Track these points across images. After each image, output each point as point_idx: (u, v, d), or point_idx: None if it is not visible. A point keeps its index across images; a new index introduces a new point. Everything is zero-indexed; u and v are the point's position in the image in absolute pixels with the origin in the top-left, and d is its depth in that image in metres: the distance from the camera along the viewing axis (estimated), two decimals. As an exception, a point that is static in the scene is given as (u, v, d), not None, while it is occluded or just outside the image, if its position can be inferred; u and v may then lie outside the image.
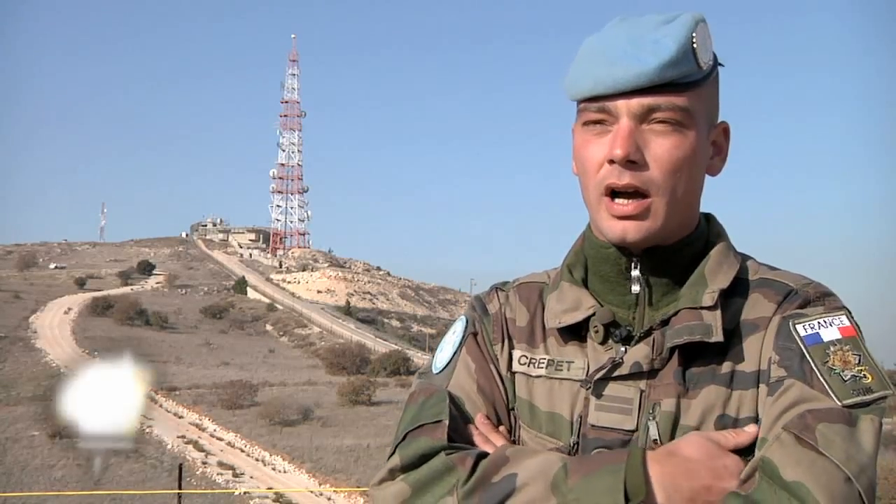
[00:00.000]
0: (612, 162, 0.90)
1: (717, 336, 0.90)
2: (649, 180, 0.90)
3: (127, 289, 77.97)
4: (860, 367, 0.86)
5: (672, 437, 0.90)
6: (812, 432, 0.83)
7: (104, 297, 64.26)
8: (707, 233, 0.99)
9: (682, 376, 0.92)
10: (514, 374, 1.02)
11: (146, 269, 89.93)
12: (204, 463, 23.52)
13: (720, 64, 0.95)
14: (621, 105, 0.90)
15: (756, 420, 0.89)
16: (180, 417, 30.36)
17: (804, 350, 0.88)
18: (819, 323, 0.89)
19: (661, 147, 0.90)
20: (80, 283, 76.10)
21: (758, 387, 0.90)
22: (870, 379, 0.85)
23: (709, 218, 1.02)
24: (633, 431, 0.92)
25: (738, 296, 0.95)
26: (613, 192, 0.91)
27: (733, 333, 0.92)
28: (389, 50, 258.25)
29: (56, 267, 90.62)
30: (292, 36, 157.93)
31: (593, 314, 0.97)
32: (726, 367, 0.91)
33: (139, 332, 55.88)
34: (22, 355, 43.05)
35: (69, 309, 61.24)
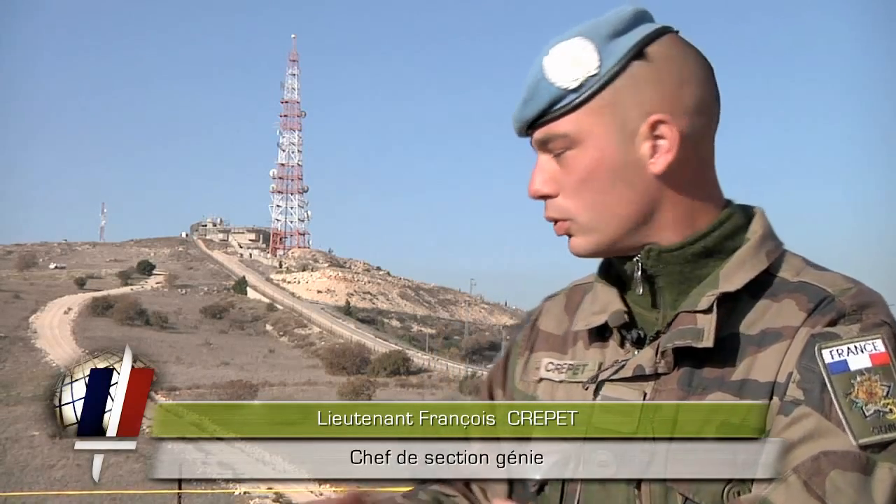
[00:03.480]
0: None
1: (707, 342, 0.88)
2: (561, 208, 0.95)
3: (127, 289, 77.98)
4: (888, 400, 0.81)
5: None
6: (822, 479, 0.79)
7: (104, 297, 64.27)
8: (732, 230, 0.94)
9: (688, 381, 0.90)
10: (541, 380, 1.05)
11: (146, 269, 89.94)
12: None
13: (637, 59, 0.91)
14: (532, 142, 0.97)
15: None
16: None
17: (827, 378, 0.82)
18: (849, 349, 0.83)
19: (562, 173, 0.94)
20: (80, 283, 76.11)
21: (770, 398, 0.86)
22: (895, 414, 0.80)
23: (750, 213, 0.97)
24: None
25: (769, 298, 0.90)
26: None
27: (751, 340, 0.89)
28: (389, 50, 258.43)
29: (56, 267, 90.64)
30: (292, 36, 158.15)
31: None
32: (738, 374, 0.88)
33: (139, 332, 55.88)
34: (22, 355, 43.08)
35: (69, 309, 61.25)
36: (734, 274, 0.91)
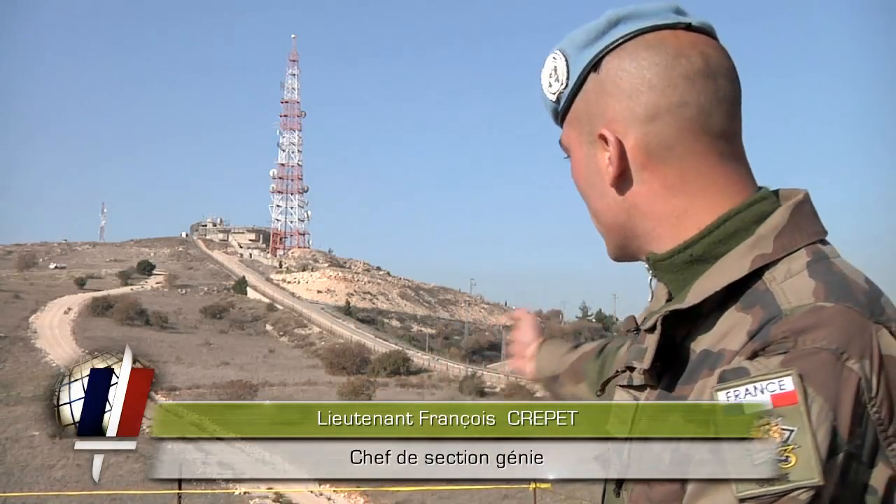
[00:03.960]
0: None
1: (644, 363, 0.86)
2: None
3: (127, 289, 77.99)
4: (784, 447, 0.71)
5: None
6: None
7: (104, 297, 64.29)
8: (729, 232, 0.87)
9: (663, 397, 0.86)
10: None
11: (146, 269, 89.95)
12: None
13: (592, 72, 0.91)
14: None
15: None
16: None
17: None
18: (747, 390, 0.73)
19: None
20: (80, 283, 76.12)
21: None
22: (792, 462, 0.70)
23: (761, 218, 0.88)
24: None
25: (742, 311, 0.82)
26: None
27: (709, 360, 0.82)
28: (389, 50, 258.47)
29: (56, 267, 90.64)
30: (292, 36, 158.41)
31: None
32: (693, 397, 0.82)
33: (139, 332, 55.90)
34: (22, 355, 43.08)
35: (69, 309, 61.27)
36: (704, 284, 0.85)
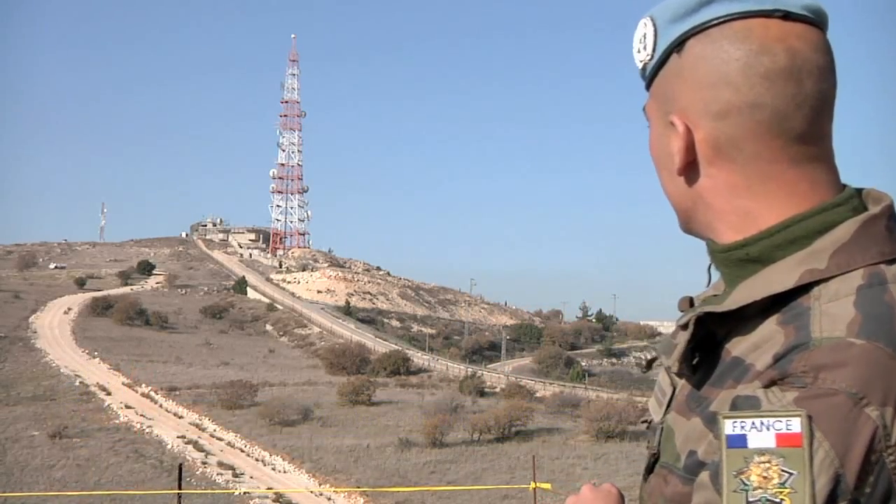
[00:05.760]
0: None
1: (670, 361, 0.83)
2: None
3: (127, 289, 78.01)
4: (780, 489, 0.68)
5: (664, 451, 0.85)
6: None
7: (104, 297, 64.33)
8: (793, 237, 0.81)
9: (693, 393, 0.84)
10: None
11: (146, 269, 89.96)
12: (204, 463, 23.54)
13: (676, 51, 0.86)
14: None
15: None
16: (180, 417, 30.37)
17: (723, 451, 0.71)
18: (753, 423, 0.70)
19: None
20: (80, 283, 76.15)
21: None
22: None
23: (826, 228, 0.82)
24: (659, 424, 0.89)
25: (780, 324, 0.78)
26: None
27: (738, 369, 0.79)
28: (389, 50, 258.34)
29: (56, 267, 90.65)
30: (292, 36, 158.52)
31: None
32: (716, 403, 0.79)
33: (139, 332, 55.94)
34: (22, 355, 43.06)
35: (69, 309, 61.29)
36: (747, 289, 0.82)
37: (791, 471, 0.68)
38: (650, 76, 0.89)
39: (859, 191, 0.84)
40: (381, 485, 20.23)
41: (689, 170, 0.86)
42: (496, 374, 49.38)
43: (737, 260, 0.85)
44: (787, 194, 0.83)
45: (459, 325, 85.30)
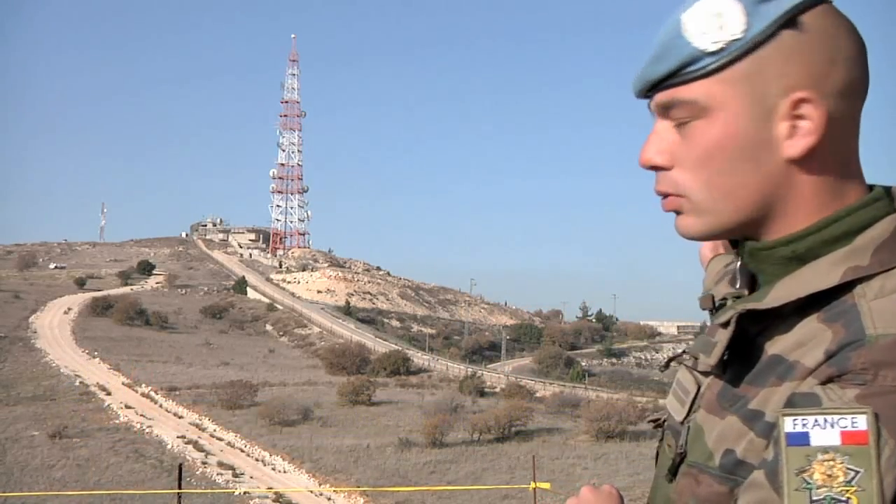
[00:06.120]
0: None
1: (712, 359, 0.81)
2: (674, 182, 0.83)
3: (127, 289, 78.00)
4: (847, 488, 0.66)
5: (692, 451, 0.83)
6: None
7: (104, 297, 64.30)
8: (840, 233, 0.80)
9: (725, 392, 0.82)
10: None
11: (146, 269, 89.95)
12: (204, 463, 23.53)
13: (788, 27, 0.80)
14: (651, 106, 0.85)
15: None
16: (180, 417, 30.37)
17: (783, 449, 0.69)
18: (816, 421, 0.69)
19: (683, 144, 0.82)
20: (80, 283, 76.14)
21: (768, 441, 0.74)
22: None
23: (868, 224, 0.80)
24: (682, 423, 0.87)
25: (825, 322, 0.76)
26: None
27: (781, 367, 0.77)
28: (389, 50, 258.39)
29: (56, 267, 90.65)
30: (292, 36, 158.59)
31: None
32: (757, 401, 0.77)
33: (139, 332, 55.95)
34: (22, 355, 43.06)
35: (69, 309, 61.28)
36: (788, 287, 0.79)
37: (857, 469, 0.66)
38: (732, 58, 0.79)
39: (888, 188, 0.82)
40: (381, 485, 20.23)
41: (808, 154, 0.79)
42: (496, 374, 49.38)
43: (780, 258, 0.82)
44: (856, 182, 0.82)
45: (459, 325, 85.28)
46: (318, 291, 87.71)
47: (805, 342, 0.76)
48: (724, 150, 0.80)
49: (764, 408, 0.76)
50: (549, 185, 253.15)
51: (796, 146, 0.79)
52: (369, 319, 78.22)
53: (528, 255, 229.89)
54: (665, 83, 0.81)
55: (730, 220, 0.82)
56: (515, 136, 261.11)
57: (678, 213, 0.84)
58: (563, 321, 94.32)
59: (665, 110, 0.83)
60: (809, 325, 0.77)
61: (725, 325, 0.81)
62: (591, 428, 28.25)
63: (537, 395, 39.41)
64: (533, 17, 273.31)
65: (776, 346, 0.78)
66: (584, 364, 62.54)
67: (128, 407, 31.45)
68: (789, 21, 0.78)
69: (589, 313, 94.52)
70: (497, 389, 40.93)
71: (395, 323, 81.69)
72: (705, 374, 0.85)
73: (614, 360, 74.21)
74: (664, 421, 0.93)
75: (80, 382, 36.39)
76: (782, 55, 0.79)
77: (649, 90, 0.83)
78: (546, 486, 10.63)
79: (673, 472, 0.86)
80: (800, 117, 0.79)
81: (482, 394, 38.50)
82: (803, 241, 0.80)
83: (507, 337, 74.23)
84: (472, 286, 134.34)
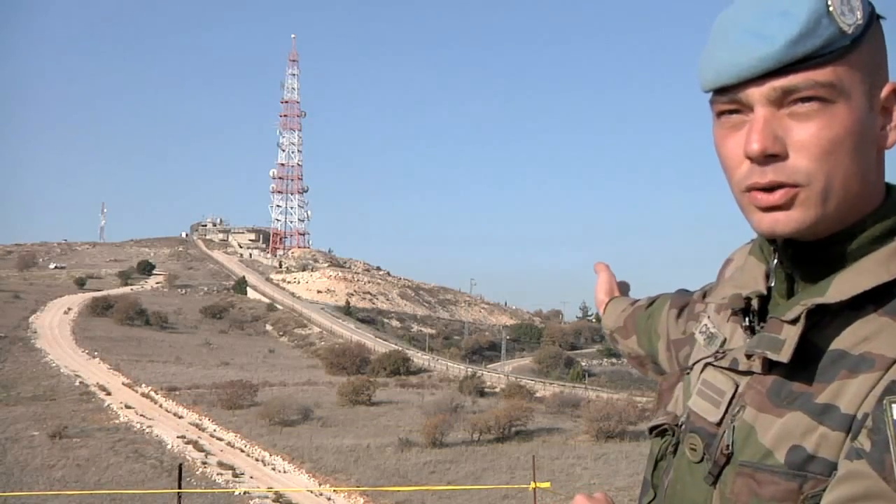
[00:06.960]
0: (751, 158, 0.78)
1: (782, 356, 0.79)
2: (795, 171, 0.77)
3: (127, 289, 77.99)
4: None
5: (743, 450, 0.81)
6: None
7: (104, 297, 64.28)
8: (882, 232, 0.80)
9: (777, 390, 0.81)
10: (692, 335, 1.02)
11: (146, 269, 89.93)
12: (204, 463, 23.53)
13: (880, 17, 0.80)
14: (753, 93, 0.78)
15: (832, 467, 0.75)
16: (180, 417, 30.37)
17: (892, 437, 0.69)
18: None
19: (806, 131, 0.76)
20: (80, 283, 76.12)
21: (847, 433, 0.74)
22: None
23: None
24: (717, 424, 0.85)
25: (888, 316, 0.77)
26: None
27: (848, 360, 0.77)
28: (389, 50, 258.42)
29: (56, 267, 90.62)
30: (292, 36, 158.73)
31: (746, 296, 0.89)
32: (825, 395, 0.77)
33: (139, 332, 55.93)
34: (22, 355, 43.03)
35: (69, 309, 61.25)
36: (848, 282, 0.79)
37: None
38: (855, 41, 0.76)
39: None
40: (381, 485, 20.23)
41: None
42: (496, 374, 49.33)
43: (835, 254, 0.81)
44: (881, 180, 0.82)
45: (459, 325, 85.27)
46: (318, 291, 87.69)
47: (872, 336, 0.76)
48: (850, 138, 0.76)
49: (836, 401, 0.75)
50: (549, 185, 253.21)
51: (891, 137, 0.78)
52: (369, 319, 78.19)
53: (528, 255, 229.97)
54: (794, 65, 0.76)
55: (835, 212, 0.78)
56: (515, 136, 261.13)
57: (778, 208, 0.78)
58: (563, 321, 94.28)
59: (786, 95, 0.77)
60: (872, 321, 0.77)
61: (795, 321, 0.79)
62: (591, 428, 28.25)
63: (537, 395, 39.36)
64: (533, 15, 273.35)
65: (837, 342, 0.78)
66: (584, 364, 62.54)
67: (128, 407, 31.46)
68: (873, 12, 0.79)
69: (589, 313, 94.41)
70: (497, 389, 40.89)
71: (395, 323, 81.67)
72: (744, 373, 0.84)
73: (614, 360, 74.06)
74: (677, 424, 0.92)
75: (80, 382, 36.38)
76: (877, 44, 0.78)
77: (774, 72, 0.76)
78: (546, 486, 10.64)
79: (716, 474, 0.83)
80: (885, 109, 0.78)
81: (482, 394, 38.48)
82: (858, 238, 0.80)
83: (507, 337, 74.19)
84: (472, 286, 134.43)
